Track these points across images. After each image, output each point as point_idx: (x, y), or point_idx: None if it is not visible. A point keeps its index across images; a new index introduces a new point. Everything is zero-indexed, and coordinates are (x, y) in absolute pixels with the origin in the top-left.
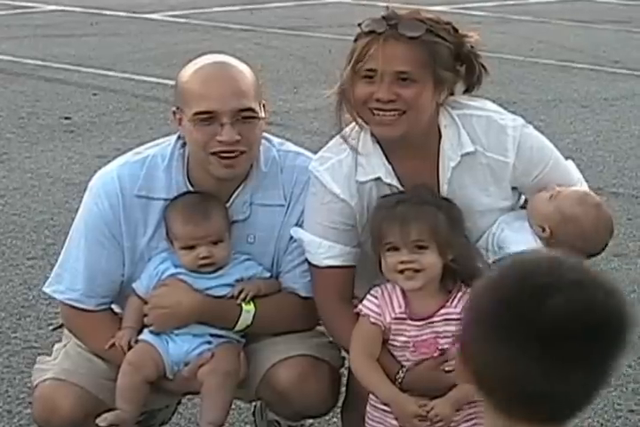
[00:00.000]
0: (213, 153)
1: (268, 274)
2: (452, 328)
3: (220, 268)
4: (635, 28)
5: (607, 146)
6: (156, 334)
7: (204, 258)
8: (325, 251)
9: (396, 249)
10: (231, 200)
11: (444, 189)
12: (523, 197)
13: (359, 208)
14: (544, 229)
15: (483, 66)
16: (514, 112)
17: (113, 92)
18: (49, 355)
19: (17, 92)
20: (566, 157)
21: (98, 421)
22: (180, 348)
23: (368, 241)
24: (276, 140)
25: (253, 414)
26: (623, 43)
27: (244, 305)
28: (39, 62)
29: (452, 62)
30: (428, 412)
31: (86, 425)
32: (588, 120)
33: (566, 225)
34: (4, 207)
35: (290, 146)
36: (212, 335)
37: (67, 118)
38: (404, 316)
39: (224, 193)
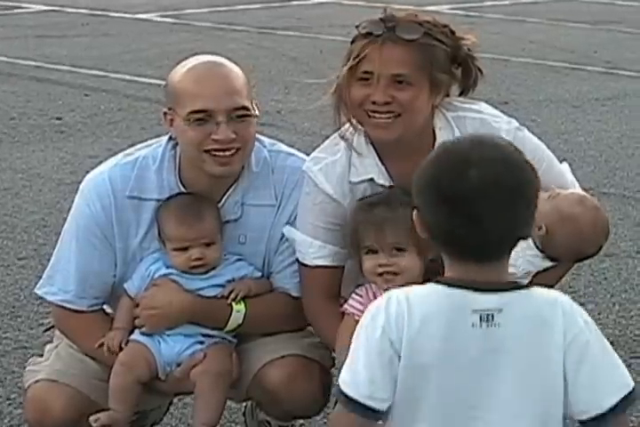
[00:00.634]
0: (207, 151)
1: (259, 274)
2: None
3: (212, 269)
4: (626, 29)
5: (598, 146)
6: (148, 334)
7: (196, 260)
8: (316, 251)
9: (374, 252)
10: (223, 200)
11: None
12: None
13: (350, 208)
14: (540, 228)
15: (479, 69)
16: (505, 112)
17: (104, 92)
18: (40, 355)
19: (8, 92)
20: (560, 159)
21: (90, 420)
22: (172, 348)
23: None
24: (267, 140)
25: (244, 414)
26: (615, 43)
27: (234, 305)
28: (31, 63)
29: (449, 65)
30: None
31: (79, 426)
32: (579, 120)
33: (563, 224)
34: None
35: (281, 146)
36: (203, 335)
37: (58, 119)
38: None
39: (216, 193)
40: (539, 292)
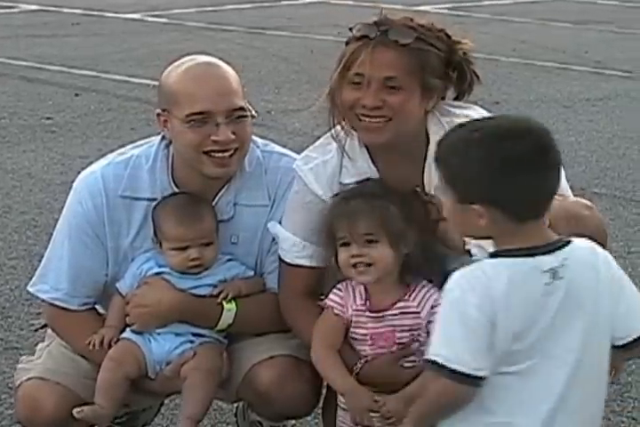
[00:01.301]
0: (206, 152)
1: (251, 273)
2: (409, 322)
3: (206, 268)
4: (617, 29)
5: (589, 146)
6: (139, 332)
7: (194, 260)
8: (299, 250)
9: (347, 244)
10: (215, 200)
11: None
12: None
13: None
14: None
15: (475, 73)
16: (497, 113)
17: (95, 92)
18: (31, 355)
19: None
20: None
21: (74, 411)
22: (162, 347)
23: None
24: (260, 140)
25: (235, 415)
26: (606, 43)
27: (225, 304)
28: (21, 62)
29: (443, 70)
30: (380, 407)
31: (69, 424)
32: (570, 120)
33: (568, 222)
34: None
35: (274, 147)
36: (194, 335)
37: (48, 119)
38: (363, 308)
39: (208, 193)
40: (578, 242)
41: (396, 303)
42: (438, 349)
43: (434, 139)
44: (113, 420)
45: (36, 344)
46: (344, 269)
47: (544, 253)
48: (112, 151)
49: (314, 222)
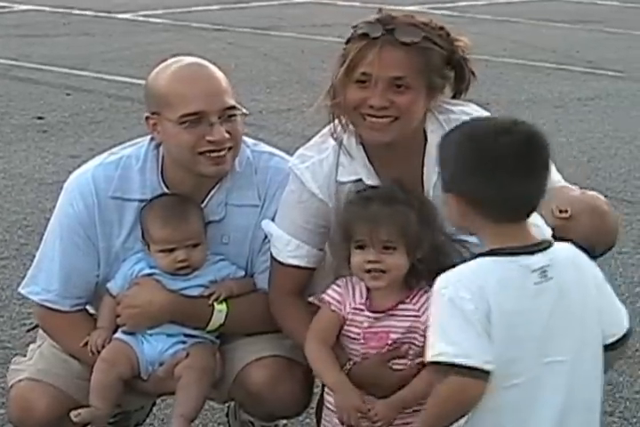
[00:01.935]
0: (201, 153)
1: (242, 273)
2: (406, 324)
3: (195, 269)
4: (607, 28)
5: (581, 146)
6: (131, 333)
7: (181, 261)
8: (293, 249)
9: (363, 247)
10: (206, 201)
11: (430, 194)
12: None
13: (336, 209)
14: (565, 211)
15: (472, 72)
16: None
17: (86, 91)
18: (22, 355)
19: None
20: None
21: (71, 415)
22: (155, 348)
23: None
24: (249, 140)
25: (227, 415)
26: (596, 43)
27: (216, 305)
28: (12, 62)
29: (444, 68)
30: (369, 410)
31: (61, 425)
32: (561, 120)
33: (591, 215)
34: None
35: (264, 146)
36: (186, 335)
37: (40, 118)
38: (362, 307)
39: (199, 194)
40: (559, 244)
41: (397, 305)
42: (443, 348)
43: (431, 137)
44: None
45: (28, 344)
46: (355, 271)
47: (531, 253)
48: (104, 151)
49: (309, 222)
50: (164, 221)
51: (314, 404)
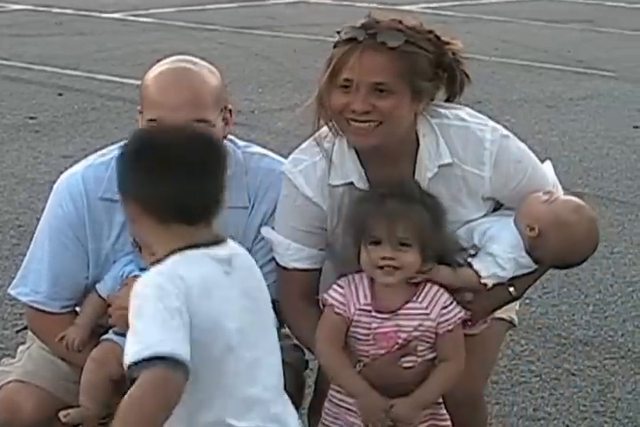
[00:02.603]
0: None
1: None
2: (415, 323)
3: None
4: (599, 28)
5: (572, 146)
6: (121, 334)
7: None
8: (293, 253)
9: (378, 243)
10: None
11: None
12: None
13: (330, 212)
14: (532, 229)
15: (466, 74)
16: (479, 112)
17: (78, 91)
18: (13, 356)
19: None
20: (543, 159)
21: (60, 415)
22: None
23: (335, 243)
24: (240, 142)
25: None
26: (588, 42)
27: None
28: (4, 62)
29: (433, 72)
30: (390, 410)
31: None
32: (553, 120)
33: (557, 229)
34: None
35: (255, 148)
36: None
37: (32, 118)
38: (368, 308)
39: None
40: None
41: (404, 304)
42: (155, 345)
43: (423, 141)
44: None
45: (20, 345)
46: (367, 268)
47: (213, 245)
48: (96, 151)
49: (306, 225)
50: None
51: (305, 404)
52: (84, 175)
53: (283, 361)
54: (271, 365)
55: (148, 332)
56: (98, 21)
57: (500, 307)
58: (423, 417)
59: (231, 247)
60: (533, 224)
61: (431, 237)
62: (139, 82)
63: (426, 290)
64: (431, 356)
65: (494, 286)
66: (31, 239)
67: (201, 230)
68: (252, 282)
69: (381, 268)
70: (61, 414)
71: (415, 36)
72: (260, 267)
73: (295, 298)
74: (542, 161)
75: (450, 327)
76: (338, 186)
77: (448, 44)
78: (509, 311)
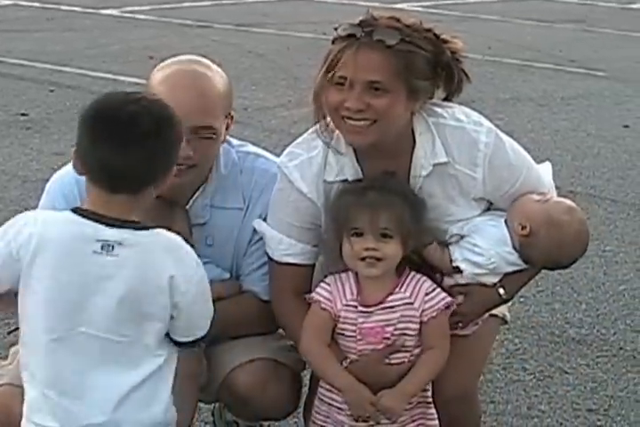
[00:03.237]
0: None
1: (227, 275)
2: (399, 314)
3: None
4: (591, 28)
5: (564, 145)
6: None
7: None
8: (286, 248)
9: (360, 235)
10: (190, 203)
11: None
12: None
13: (324, 208)
14: (524, 227)
15: (465, 73)
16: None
17: (70, 88)
18: (5, 357)
19: None
20: (535, 157)
21: None
22: None
23: (329, 240)
24: (235, 141)
25: (212, 414)
26: (580, 42)
27: None
28: None
29: (430, 70)
30: (377, 402)
31: None
32: (545, 119)
33: (548, 229)
34: None
35: (250, 147)
36: None
37: (23, 115)
38: (354, 303)
39: (183, 196)
40: (158, 236)
41: (387, 297)
42: None
43: (420, 139)
44: None
45: (12, 346)
46: (350, 261)
47: (107, 225)
48: None
49: (300, 220)
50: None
51: (301, 404)
52: (77, 176)
53: (278, 361)
54: None
55: None
56: (90, 17)
57: (490, 309)
58: (413, 417)
59: (139, 241)
60: (525, 223)
61: (412, 229)
62: (131, 79)
63: (408, 280)
64: (419, 350)
65: (483, 286)
66: None
67: (116, 202)
68: (133, 281)
69: (364, 259)
70: None
71: (412, 34)
72: (255, 269)
73: (287, 295)
74: (538, 162)
75: (434, 314)
76: (333, 182)
77: (447, 42)
78: (501, 308)
